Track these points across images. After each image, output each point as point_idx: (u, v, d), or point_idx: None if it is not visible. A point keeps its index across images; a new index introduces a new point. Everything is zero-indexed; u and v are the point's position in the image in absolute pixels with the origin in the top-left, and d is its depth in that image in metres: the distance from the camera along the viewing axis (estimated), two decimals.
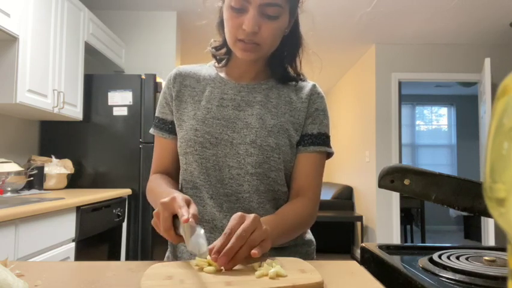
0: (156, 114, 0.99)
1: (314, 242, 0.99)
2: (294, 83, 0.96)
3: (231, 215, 0.86)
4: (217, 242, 0.65)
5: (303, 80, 0.97)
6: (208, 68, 0.99)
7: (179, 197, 0.70)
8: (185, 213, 0.66)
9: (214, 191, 0.87)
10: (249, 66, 0.93)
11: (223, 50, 0.95)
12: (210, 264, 0.64)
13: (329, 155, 0.95)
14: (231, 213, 0.86)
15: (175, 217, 0.70)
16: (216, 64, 0.98)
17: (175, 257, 0.94)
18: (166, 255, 0.98)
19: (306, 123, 0.92)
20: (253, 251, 0.64)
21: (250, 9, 0.81)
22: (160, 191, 0.86)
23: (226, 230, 0.66)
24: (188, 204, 0.70)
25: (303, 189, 0.91)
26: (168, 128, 0.96)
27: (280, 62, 0.95)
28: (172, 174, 0.97)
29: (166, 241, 0.98)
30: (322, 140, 0.92)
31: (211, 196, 0.88)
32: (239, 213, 0.69)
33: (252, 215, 0.68)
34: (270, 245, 0.69)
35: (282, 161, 0.88)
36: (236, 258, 0.64)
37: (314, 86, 0.97)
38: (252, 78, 0.94)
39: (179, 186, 0.95)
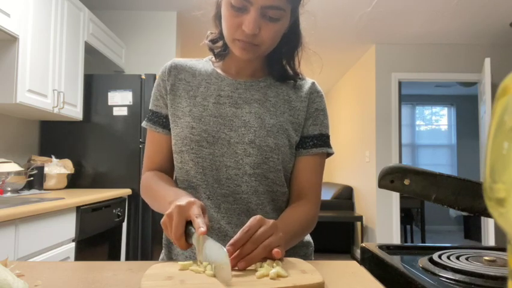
0: (150, 107, 0.95)
1: (312, 244, 0.99)
2: (292, 81, 0.94)
3: (229, 216, 0.85)
4: (235, 236, 0.65)
5: (301, 79, 0.95)
6: (204, 63, 0.96)
7: (196, 203, 0.68)
8: (203, 224, 0.63)
9: (212, 191, 0.85)
10: (246, 62, 0.91)
11: (220, 43, 0.92)
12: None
13: (329, 154, 0.94)
14: (228, 214, 0.85)
15: (187, 223, 0.67)
16: (214, 59, 0.95)
17: (170, 259, 0.93)
18: (161, 257, 0.96)
19: (306, 124, 0.91)
20: (276, 250, 0.64)
21: (251, 10, 0.78)
22: (163, 190, 0.83)
23: (245, 227, 0.66)
24: (203, 212, 0.68)
25: (305, 191, 0.90)
26: (162, 122, 0.92)
27: (278, 59, 0.92)
28: (167, 171, 0.94)
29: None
30: (323, 141, 0.92)
31: (208, 196, 0.86)
32: (258, 216, 0.68)
33: (271, 221, 0.68)
34: (284, 252, 0.68)
35: (281, 161, 0.87)
36: (249, 260, 0.63)
37: (313, 84, 0.95)
38: (249, 75, 0.92)
39: None
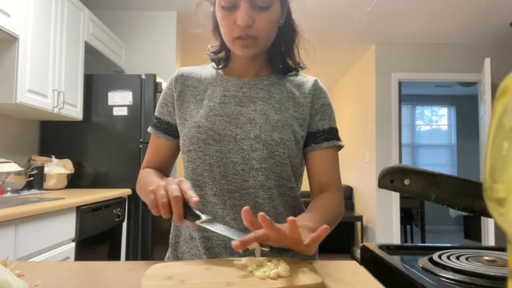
0: (155, 114, 1.00)
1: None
2: (294, 77, 0.97)
3: (234, 212, 0.86)
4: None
5: (303, 68, 0.98)
6: (209, 69, 1.00)
7: (162, 197, 0.71)
8: (178, 218, 0.70)
9: (218, 187, 0.87)
10: (249, 63, 0.94)
11: (222, 54, 0.97)
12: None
13: (340, 147, 0.96)
14: (234, 210, 0.86)
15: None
16: (216, 66, 0.99)
17: (176, 258, 0.94)
18: (167, 255, 0.98)
19: (315, 120, 0.93)
20: (291, 218, 0.66)
21: (241, 4, 0.83)
22: (147, 182, 0.90)
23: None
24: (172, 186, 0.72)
25: (326, 185, 0.92)
26: (164, 128, 0.97)
27: (279, 54, 0.96)
28: (163, 171, 1.00)
29: (167, 241, 0.98)
30: (333, 134, 0.94)
31: (214, 193, 0.88)
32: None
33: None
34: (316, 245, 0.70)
35: (288, 155, 0.89)
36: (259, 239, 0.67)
37: (316, 81, 0.97)
38: (253, 75, 0.95)
39: None
